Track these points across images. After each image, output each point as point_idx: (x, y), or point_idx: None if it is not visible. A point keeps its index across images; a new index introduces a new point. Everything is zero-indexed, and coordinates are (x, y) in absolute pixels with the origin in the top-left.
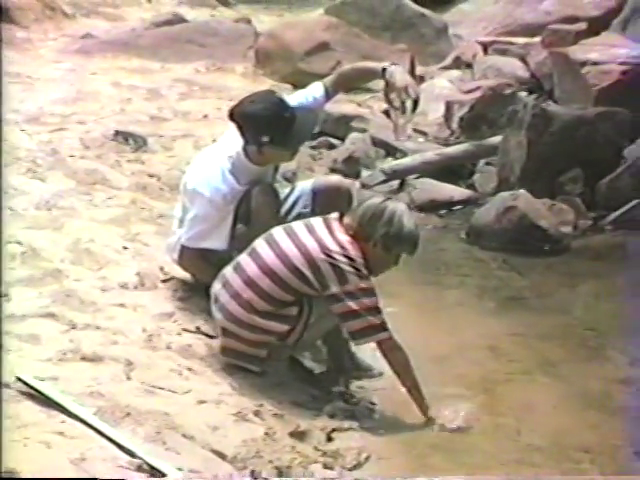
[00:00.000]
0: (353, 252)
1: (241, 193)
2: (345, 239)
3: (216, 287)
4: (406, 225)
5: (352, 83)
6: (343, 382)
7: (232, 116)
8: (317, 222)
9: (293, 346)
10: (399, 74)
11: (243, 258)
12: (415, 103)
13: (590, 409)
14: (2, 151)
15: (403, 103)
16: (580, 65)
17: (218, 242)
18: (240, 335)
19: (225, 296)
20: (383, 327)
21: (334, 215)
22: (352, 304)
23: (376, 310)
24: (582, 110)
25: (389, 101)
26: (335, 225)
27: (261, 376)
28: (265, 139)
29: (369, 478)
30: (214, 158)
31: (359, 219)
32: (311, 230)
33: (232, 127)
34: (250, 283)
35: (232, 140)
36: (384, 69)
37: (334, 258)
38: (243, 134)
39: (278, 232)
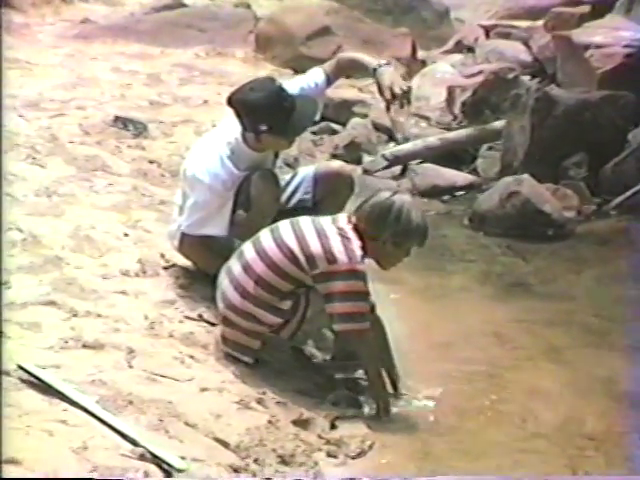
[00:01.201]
0: (350, 234)
1: (240, 179)
2: (347, 227)
3: (220, 275)
4: (414, 219)
5: (349, 72)
6: (350, 370)
7: (230, 102)
8: (325, 220)
9: (289, 339)
10: (387, 74)
11: (246, 245)
12: (404, 99)
13: (595, 395)
14: (2, 139)
15: (393, 99)
16: (583, 48)
17: (218, 229)
18: (235, 322)
19: (225, 282)
20: (363, 317)
21: (343, 215)
22: (338, 285)
23: (363, 296)
24: (586, 94)
25: (383, 99)
26: (341, 217)
27: (263, 365)
28: (263, 127)
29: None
30: (213, 144)
31: (366, 218)
32: (314, 220)
33: (230, 113)
34: (247, 267)
35: (231, 126)
36: (375, 69)
37: (327, 237)
38: (241, 121)
39: (284, 225)
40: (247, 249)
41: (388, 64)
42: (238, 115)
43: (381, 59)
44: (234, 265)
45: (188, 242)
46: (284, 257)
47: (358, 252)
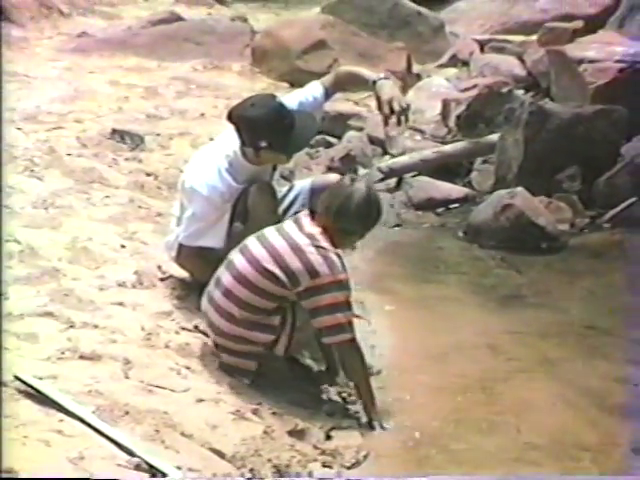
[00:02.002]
0: (324, 242)
1: (238, 191)
2: (315, 230)
3: (204, 303)
4: (356, 204)
5: (347, 86)
6: (341, 381)
7: (231, 118)
8: (286, 222)
9: (284, 354)
10: (387, 88)
11: (221, 271)
12: (402, 116)
13: (589, 407)
14: (2, 151)
15: (391, 114)
16: (577, 63)
17: (215, 240)
18: (228, 347)
19: (210, 310)
20: (351, 326)
21: (304, 212)
22: (323, 299)
23: (347, 306)
24: (579, 108)
25: (381, 113)
26: (304, 220)
27: (259, 376)
28: (263, 144)
29: (368, 477)
30: (211, 157)
31: (327, 210)
32: (279, 229)
33: (229, 126)
34: (227, 293)
35: (230, 139)
36: (374, 82)
37: (303, 251)
38: (241, 136)
39: (250, 240)
40: (223, 275)
41: (387, 78)
42: (238, 130)
43: (379, 73)
44: (214, 292)
45: (185, 253)
46: (263, 278)
47: (337, 260)
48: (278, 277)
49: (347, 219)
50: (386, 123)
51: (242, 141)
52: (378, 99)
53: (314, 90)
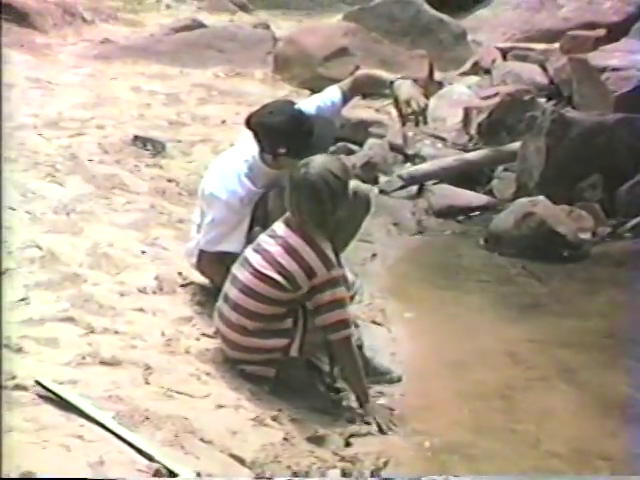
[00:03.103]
0: (317, 239)
1: (257, 195)
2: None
3: (215, 319)
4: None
5: (366, 89)
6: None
7: (249, 124)
8: (277, 224)
9: (299, 355)
10: (405, 87)
11: (227, 286)
12: (420, 116)
13: (609, 416)
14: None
15: (410, 115)
16: (599, 71)
17: (234, 245)
18: (246, 359)
19: (222, 326)
20: (350, 322)
21: (280, 224)
22: (323, 297)
23: (346, 302)
24: (601, 116)
25: (398, 113)
26: (293, 220)
27: (279, 383)
28: (282, 150)
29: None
30: (230, 162)
31: (297, 206)
32: (273, 234)
33: (248, 132)
34: (236, 307)
35: (248, 144)
36: (392, 82)
37: (297, 252)
38: (260, 142)
39: (248, 251)
40: (230, 290)
41: (405, 78)
42: (256, 137)
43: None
44: (223, 307)
45: (205, 259)
46: (265, 285)
47: (332, 257)
48: (278, 282)
49: (307, 210)
50: (404, 123)
51: (261, 147)
52: (396, 99)
53: (332, 95)
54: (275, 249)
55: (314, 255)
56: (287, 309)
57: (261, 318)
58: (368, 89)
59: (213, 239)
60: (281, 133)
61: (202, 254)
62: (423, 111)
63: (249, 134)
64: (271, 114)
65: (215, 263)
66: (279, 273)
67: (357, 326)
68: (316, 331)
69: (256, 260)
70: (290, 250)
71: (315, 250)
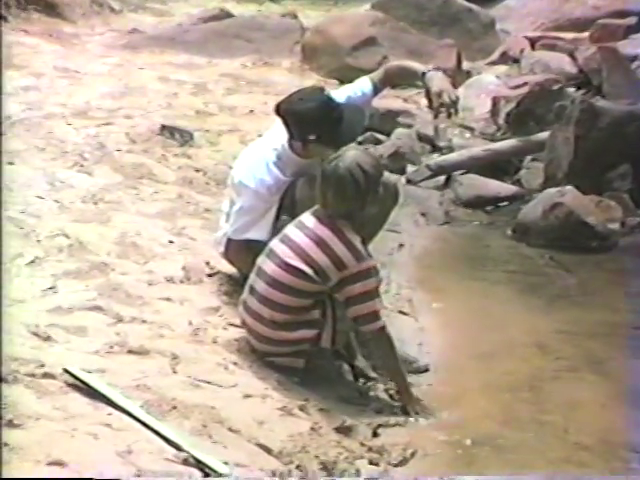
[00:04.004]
0: (346, 231)
1: (286, 184)
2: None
3: (240, 311)
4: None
5: (397, 80)
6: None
7: (279, 111)
8: (305, 216)
9: (331, 346)
10: (437, 80)
11: (253, 278)
12: (452, 108)
13: (638, 408)
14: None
15: (441, 107)
16: (630, 60)
17: (261, 233)
18: (275, 352)
19: (249, 318)
20: (381, 313)
21: (308, 215)
22: (354, 288)
23: (378, 293)
24: (631, 106)
25: (430, 105)
26: (322, 212)
27: (307, 372)
28: (312, 137)
29: (415, 475)
30: (259, 151)
31: (332, 198)
32: (300, 226)
33: (278, 121)
34: (263, 300)
35: (278, 133)
36: (424, 74)
37: (327, 244)
38: (289, 129)
39: (275, 243)
40: (256, 282)
41: (437, 69)
42: (286, 124)
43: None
44: (249, 300)
45: (233, 247)
46: (293, 277)
47: (362, 248)
48: (307, 273)
49: (335, 203)
50: (436, 116)
51: (290, 134)
52: (427, 91)
53: (363, 85)
54: (303, 240)
55: (343, 247)
56: (314, 300)
57: (288, 310)
58: (399, 80)
59: (241, 227)
60: (311, 119)
61: (230, 242)
62: (454, 103)
63: (279, 123)
64: (301, 100)
65: (243, 251)
66: (307, 264)
67: None
68: (345, 319)
69: (282, 251)
70: (319, 242)
71: (344, 242)
